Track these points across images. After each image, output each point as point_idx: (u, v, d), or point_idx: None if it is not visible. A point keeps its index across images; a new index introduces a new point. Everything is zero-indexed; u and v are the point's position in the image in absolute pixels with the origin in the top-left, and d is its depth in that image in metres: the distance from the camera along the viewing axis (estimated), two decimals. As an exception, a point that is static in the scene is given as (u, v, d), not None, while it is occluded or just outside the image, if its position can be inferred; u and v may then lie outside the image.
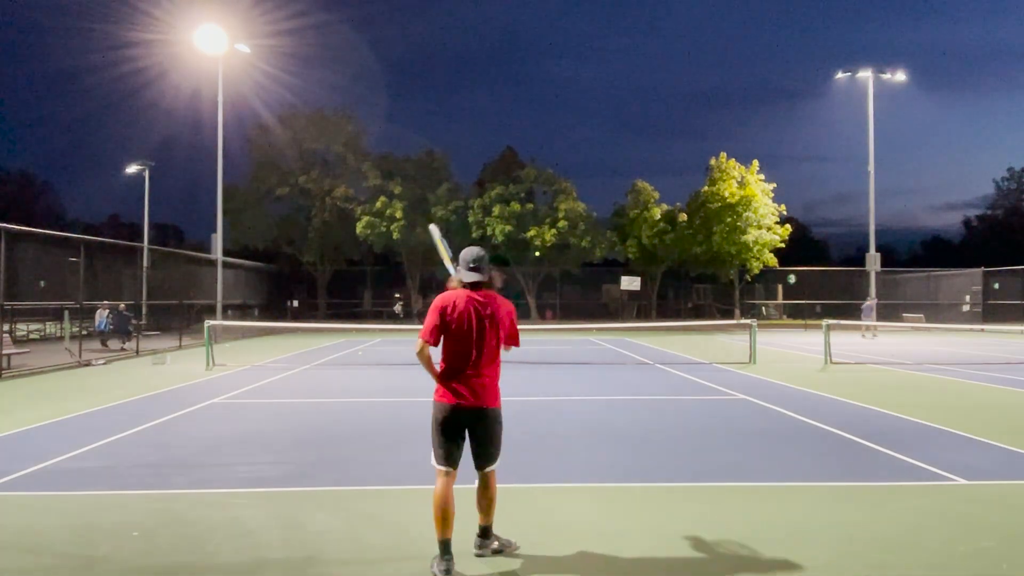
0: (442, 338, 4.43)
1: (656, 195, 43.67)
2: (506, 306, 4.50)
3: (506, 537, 4.73)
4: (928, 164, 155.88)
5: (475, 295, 4.43)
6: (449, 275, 4.64)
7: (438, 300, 4.46)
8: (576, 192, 43.04)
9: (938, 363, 17.82)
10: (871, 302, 30.90)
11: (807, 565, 4.51)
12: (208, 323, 17.89)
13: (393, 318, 44.30)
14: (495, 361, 4.47)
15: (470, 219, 41.88)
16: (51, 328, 27.32)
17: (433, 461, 4.46)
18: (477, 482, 4.57)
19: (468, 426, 4.43)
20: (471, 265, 4.45)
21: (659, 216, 42.85)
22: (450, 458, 4.42)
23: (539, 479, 6.58)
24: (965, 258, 58.21)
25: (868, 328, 29.62)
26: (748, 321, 19.86)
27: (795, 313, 44.80)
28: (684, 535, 5.07)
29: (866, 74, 37.01)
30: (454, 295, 4.45)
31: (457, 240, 43.05)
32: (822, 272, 48.84)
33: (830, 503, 5.84)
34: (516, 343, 4.59)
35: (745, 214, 40.82)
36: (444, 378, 4.47)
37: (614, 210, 45.54)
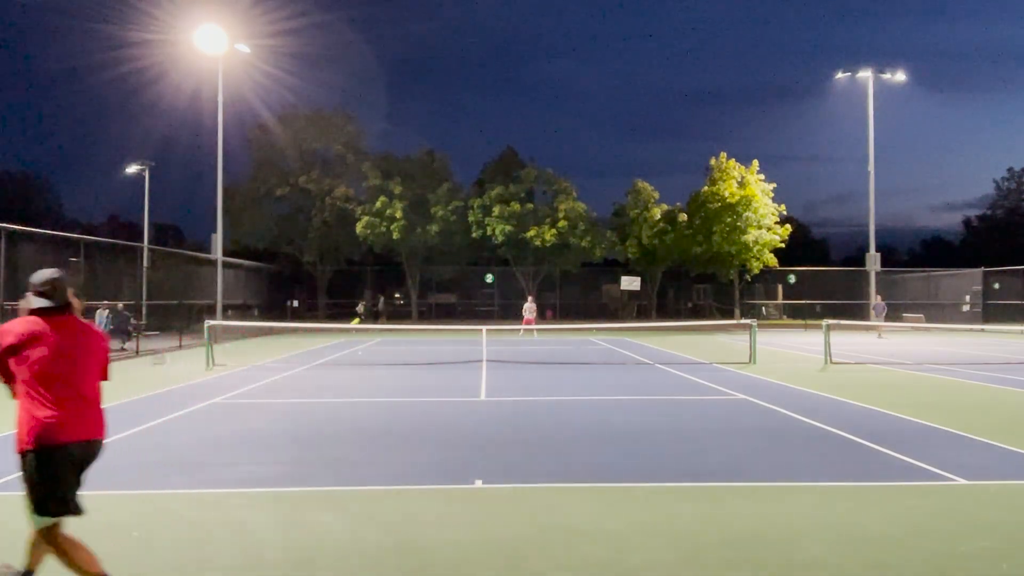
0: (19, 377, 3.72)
1: (656, 195, 43.71)
2: (96, 335, 3.92)
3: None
4: (928, 164, 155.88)
5: (54, 322, 3.78)
6: None
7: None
8: (576, 192, 43.11)
9: (938, 363, 17.82)
10: (882, 302, 30.96)
11: (807, 565, 4.51)
12: (208, 323, 17.90)
13: (353, 318, 43.96)
14: (99, 400, 3.87)
15: (470, 219, 41.88)
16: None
17: (47, 514, 3.72)
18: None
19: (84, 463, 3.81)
20: (39, 289, 3.81)
21: (659, 216, 42.86)
22: (72, 502, 3.77)
23: (539, 479, 6.58)
24: (965, 258, 58.22)
25: (880, 328, 29.71)
26: (748, 321, 19.86)
27: (795, 313, 44.80)
28: (684, 535, 5.07)
29: (866, 74, 36.99)
30: (20, 325, 3.76)
31: (457, 240, 43.23)
32: (822, 272, 48.85)
33: (830, 503, 5.84)
34: (105, 377, 3.98)
35: (745, 214, 40.83)
36: (44, 417, 3.65)
37: (614, 210, 45.57)
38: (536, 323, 32.38)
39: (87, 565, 3.77)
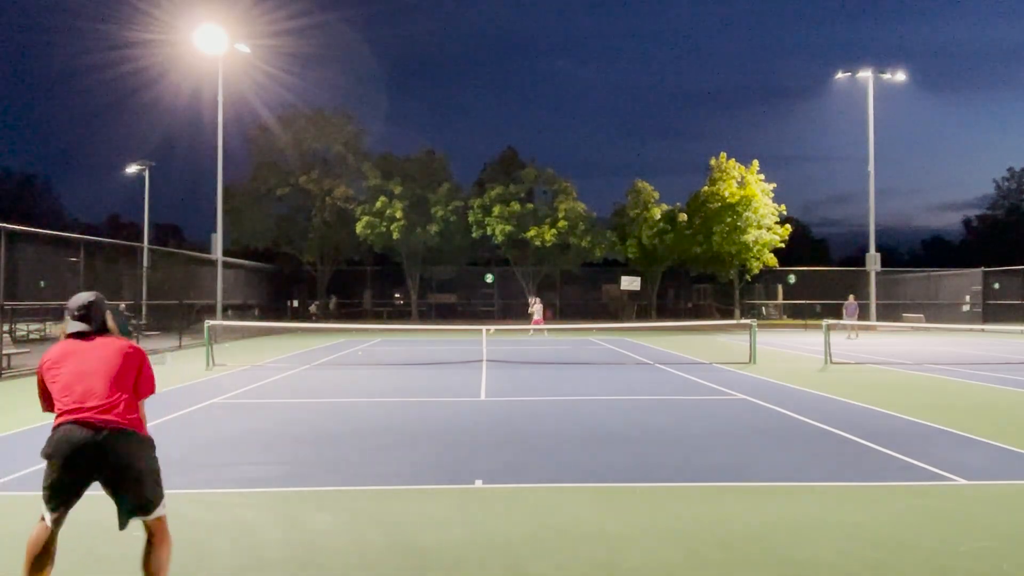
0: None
1: (656, 195, 43.71)
2: (135, 353, 3.94)
3: None
4: (928, 164, 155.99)
5: (83, 343, 3.86)
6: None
7: (39, 364, 3.91)
8: (576, 192, 43.09)
9: (938, 363, 17.81)
10: (854, 302, 30.78)
11: (807, 565, 4.51)
12: (208, 323, 17.90)
13: (307, 318, 44.00)
14: (127, 404, 3.79)
15: (470, 219, 41.88)
16: (51, 328, 27.29)
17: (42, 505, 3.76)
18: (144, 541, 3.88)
19: (95, 460, 3.65)
20: (76, 314, 3.90)
21: (659, 216, 42.87)
22: (56, 498, 3.71)
23: (540, 479, 6.58)
24: (965, 258, 58.23)
25: (852, 328, 29.63)
26: (748, 321, 19.85)
27: (795, 313, 44.81)
28: (684, 535, 5.07)
29: (866, 74, 36.98)
30: (54, 350, 3.88)
31: (457, 240, 43.22)
32: (822, 272, 48.83)
33: (830, 503, 5.84)
34: (149, 390, 3.99)
35: (745, 214, 40.83)
36: (61, 417, 3.72)
37: (614, 210, 45.60)
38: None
39: (26, 568, 3.77)
